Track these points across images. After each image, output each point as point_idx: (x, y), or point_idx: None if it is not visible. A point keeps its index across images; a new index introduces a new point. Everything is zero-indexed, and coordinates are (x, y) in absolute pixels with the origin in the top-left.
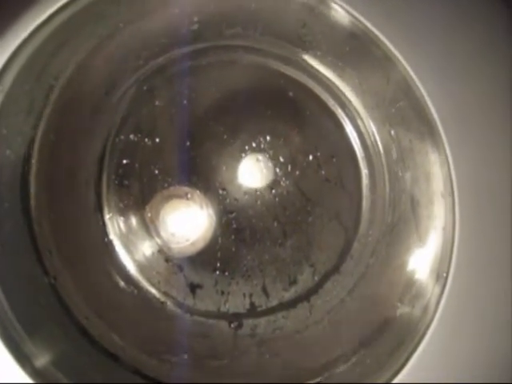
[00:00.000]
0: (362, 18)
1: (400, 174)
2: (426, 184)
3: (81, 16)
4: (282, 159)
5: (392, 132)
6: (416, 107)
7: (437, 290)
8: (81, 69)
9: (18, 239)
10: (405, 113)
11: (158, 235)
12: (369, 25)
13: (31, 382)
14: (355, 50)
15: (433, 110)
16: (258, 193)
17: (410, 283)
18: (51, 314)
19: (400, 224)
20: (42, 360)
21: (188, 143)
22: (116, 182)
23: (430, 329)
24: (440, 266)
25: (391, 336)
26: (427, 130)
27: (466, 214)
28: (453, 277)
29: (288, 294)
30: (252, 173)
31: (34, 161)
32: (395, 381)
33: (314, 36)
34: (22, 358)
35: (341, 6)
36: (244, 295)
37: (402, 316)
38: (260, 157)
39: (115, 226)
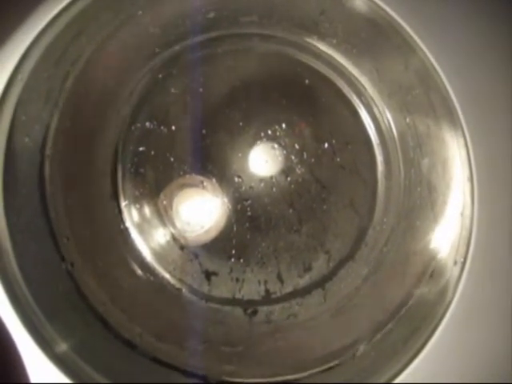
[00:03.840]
0: (381, 4)
1: (416, 160)
2: (444, 170)
3: (98, 4)
4: (297, 146)
5: (408, 118)
6: (435, 93)
7: (454, 276)
8: (97, 56)
9: (35, 226)
10: (422, 99)
11: (173, 223)
12: (389, 10)
13: (53, 367)
14: (373, 36)
15: (452, 96)
16: (274, 180)
17: (426, 270)
18: (69, 300)
19: (415, 210)
20: (61, 345)
21: (203, 131)
22: (132, 169)
23: (446, 315)
24: (457, 252)
25: (407, 322)
26: (446, 115)
27: (484, 198)
28: (471, 262)
29: (303, 281)
30: (267, 160)
31: (50, 148)
32: (410, 367)
33: (331, 23)
34: (43, 343)
35: None
36: (259, 282)
37: (418, 302)
38: (275, 144)
39: (131, 213)
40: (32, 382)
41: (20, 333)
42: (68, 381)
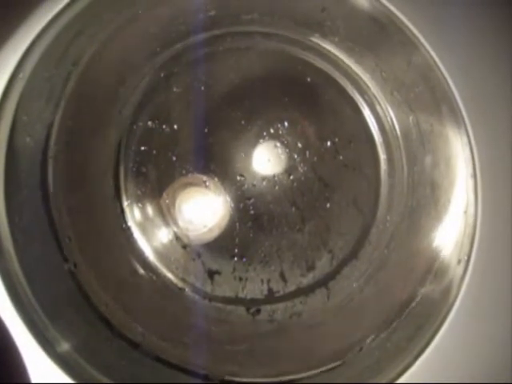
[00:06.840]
0: (383, 1)
1: (419, 158)
2: (447, 167)
3: (99, 3)
4: (299, 145)
5: (411, 116)
6: (437, 90)
7: (458, 274)
8: (98, 55)
9: (38, 226)
10: (425, 96)
11: (176, 222)
12: (391, 7)
13: (55, 366)
14: (375, 34)
15: (456, 93)
16: (276, 179)
17: (429, 268)
18: (71, 300)
19: (419, 209)
20: (64, 345)
21: (206, 130)
22: (134, 169)
23: (450, 314)
24: (461, 250)
25: (411, 321)
26: (449, 113)
27: (488, 196)
28: (475, 261)
29: (306, 280)
30: (270, 159)
31: (52, 148)
32: (415, 366)
33: (333, 21)
34: (46, 343)
35: None
36: (262, 281)
37: (422, 301)
38: (278, 143)
39: (133, 212)
40: (33, 381)
41: (22, 333)
42: (70, 381)
